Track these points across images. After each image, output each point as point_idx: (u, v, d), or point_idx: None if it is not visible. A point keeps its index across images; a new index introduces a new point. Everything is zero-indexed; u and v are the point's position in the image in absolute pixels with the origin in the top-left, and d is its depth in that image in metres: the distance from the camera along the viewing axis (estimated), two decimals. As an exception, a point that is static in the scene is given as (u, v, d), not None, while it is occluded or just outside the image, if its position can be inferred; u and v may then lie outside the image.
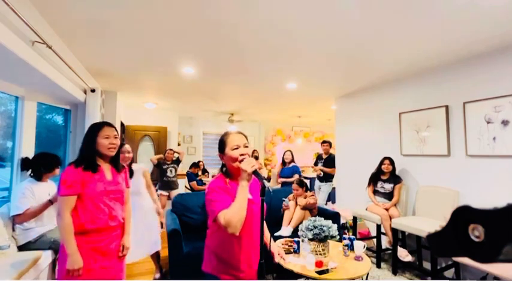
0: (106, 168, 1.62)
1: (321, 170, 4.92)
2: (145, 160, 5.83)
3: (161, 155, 4.82)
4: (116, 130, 1.65)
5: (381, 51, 2.60)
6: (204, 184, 5.77)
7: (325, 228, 2.22)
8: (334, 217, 3.17)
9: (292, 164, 4.97)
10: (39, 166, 2.45)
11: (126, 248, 1.72)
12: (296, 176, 4.71)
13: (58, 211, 1.45)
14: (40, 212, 2.33)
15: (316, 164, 5.13)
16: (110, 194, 1.59)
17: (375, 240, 3.29)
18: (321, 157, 5.09)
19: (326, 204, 4.94)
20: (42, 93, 2.81)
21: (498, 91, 2.48)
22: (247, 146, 1.30)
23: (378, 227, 3.15)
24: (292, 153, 5.09)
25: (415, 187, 3.21)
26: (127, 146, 2.58)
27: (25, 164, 2.51)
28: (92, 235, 1.51)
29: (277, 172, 5.86)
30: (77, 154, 1.60)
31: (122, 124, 5.22)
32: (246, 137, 1.35)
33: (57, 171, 2.54)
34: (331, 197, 5.23)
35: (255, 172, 1.22)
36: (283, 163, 5.02)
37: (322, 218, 2.33)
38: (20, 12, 1.53)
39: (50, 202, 2.37)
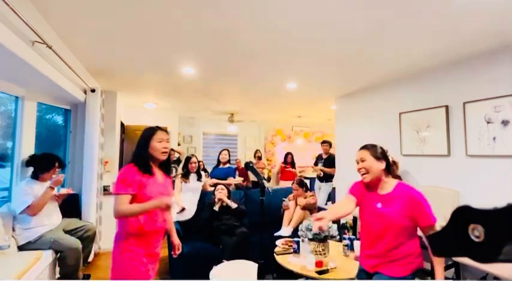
0: (157, 172, 1.63)
1: (321, 170, 4.92)
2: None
3: None
4: (168, 134, 1.67)
5: (381, 51, 2.60)
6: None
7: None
8: (334, 217, 3.17)
9: (228, 165, 4.29)
10: (37, 165, 2.48)
11: (179, 245, 1.81)
12: (231, 179, 4.07)
13: (114, 207, 1.46)
14: (45, 201, 2.34)
15: (316, 164, 5.13)
16: None
17: (375, 240, 3.28)
18: (320, 157, 5.09)
19: (326, 204, 4.94)
20: (42, 93, 2.81)
21: (498, 91, 2.48)
22: None
23: (378, 227, 3.14)
24: (229, 153, 4.36)
25: (415, 187, 3.20)
26: (194, 158, 3.44)
27: (30, 160, 2.52)
28: (148, 237, 1.54)
29: (280, 172, 5.88)
30: (130, 156, 1.62)
31: (122, 124, 5.22)
32: None
33: (54, 172, 2.55)
34: (331, 197, 5.23)
35: (255, 171, 1.22)
36: (218, 162, 4.31)
37: (322, 218, 2.32)
38: (20, 12, 1.52)
39: (51, 188, 2.39)
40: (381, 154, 1.55)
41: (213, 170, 4.42)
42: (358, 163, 1.58)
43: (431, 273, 2.59)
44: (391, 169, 1.58)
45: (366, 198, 1.60)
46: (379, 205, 1.52)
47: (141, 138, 1.61)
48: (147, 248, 1.54)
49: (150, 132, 1.60)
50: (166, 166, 1.68)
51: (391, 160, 1.61)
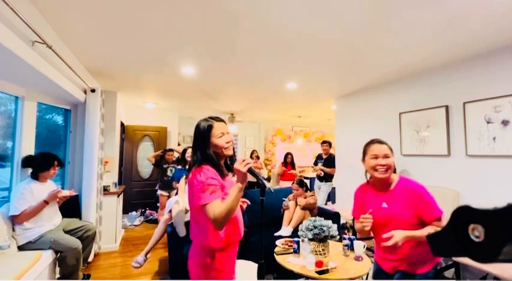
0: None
1: (321, 170, 4.93)
2: (145, 159, 5.83)
3: (158, 153, 4.85)
4: (226, 124, 1.39)
5: (381, 51, 2.60)
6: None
7: (325, 228, 2.22)
8: (334, 217, 3.17)
9: None
10: (35, 165, 2.47)
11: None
12: None
13: (212, 218, 1.16)
14: (36, 213, 2.33)
15: (316, 164, 5.13)
16: None
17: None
18: (320, 157, 5.09)
19: (326, 204, 4.94)
20: (42, 93, 2.81)
21: (498, 91, 2.48)
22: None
23: (378, 227, 3.14)
24: None
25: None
26: (189, 150, 3.35)
27: (27, 161, 2.52)
28: (232, 248, 1.36)
29: (280, 174, 5.88)
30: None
31: (122, 124, 5.22)
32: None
33: (54, 171, 2.54)
34: (331, 197, 5.23)
35: (253, 172, 1.22)
36: (184, 162, 3.87)
37: (322, 218, 2.33)
38: (20, 12, 1.53)
39: (46, 202, 2.37)
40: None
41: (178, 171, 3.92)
42: (377, 158, 1.43)
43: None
44: None
45: (370, 199, 1.54)
46: (384, 205, 1.45)
47: (196, 138, 1.33)
48: (232, 262, 1.35)
49: (206, 129, 1.31)
50: (231, 161, 1.40)
51: None
